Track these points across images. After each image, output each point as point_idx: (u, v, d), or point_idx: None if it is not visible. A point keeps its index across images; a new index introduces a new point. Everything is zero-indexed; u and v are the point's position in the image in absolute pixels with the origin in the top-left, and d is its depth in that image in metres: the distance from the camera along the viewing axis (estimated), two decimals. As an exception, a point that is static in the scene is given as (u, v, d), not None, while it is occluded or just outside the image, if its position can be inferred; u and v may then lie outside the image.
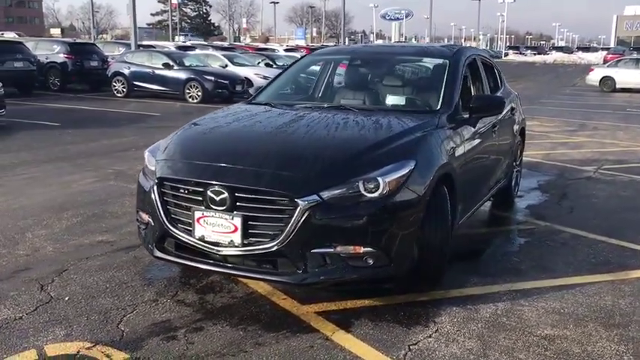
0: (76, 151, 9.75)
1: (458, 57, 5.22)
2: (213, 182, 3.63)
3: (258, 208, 3.57)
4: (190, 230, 3.75)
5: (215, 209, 3.62)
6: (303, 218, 3.48)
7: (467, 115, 4.79)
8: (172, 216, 3.85)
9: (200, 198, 3.69)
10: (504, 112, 5.98)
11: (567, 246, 5.26)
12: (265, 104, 5.06)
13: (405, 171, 3.70)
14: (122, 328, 3.60)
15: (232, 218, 3.58)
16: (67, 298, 4.01)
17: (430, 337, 3.55)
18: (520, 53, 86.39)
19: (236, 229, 3.58)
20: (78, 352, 3.33)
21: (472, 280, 4.41)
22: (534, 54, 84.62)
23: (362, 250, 3.57)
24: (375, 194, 3.57)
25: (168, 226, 3.84)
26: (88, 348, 3.37)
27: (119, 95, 19.48)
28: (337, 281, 3.64)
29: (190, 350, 3.36)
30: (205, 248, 3.72)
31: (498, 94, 6.17)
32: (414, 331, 3.62)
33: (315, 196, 3.50)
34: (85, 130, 12.06)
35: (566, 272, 4.63)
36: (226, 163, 3.74)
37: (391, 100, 4.98)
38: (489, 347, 3.43)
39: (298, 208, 3.48)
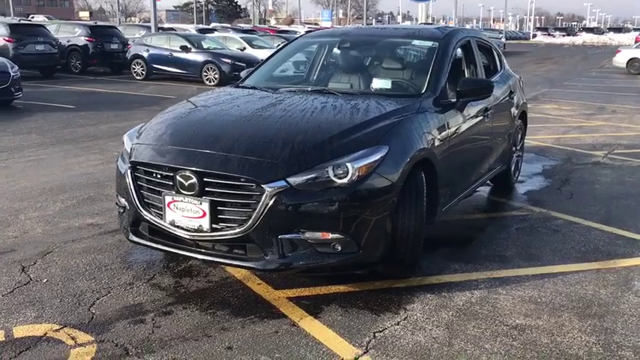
0: (85, 133, 9.86)
1: (448, 39, 5.11)
2: (182, 167, 3.62)
3: (225, 194, 3.55)
4: (162, 214, 3.75)
5: (184, 194, 3.62)
6: (270, 204, 3.45)
7: (454, 99, 4.69)
8: (145, 200, 3.86)
9: (170, 182, 3.69)
10: (502, 96, 5.86)
11: (559, 233, 5.15)
12: (251, 88, 5.03)
13: (376, 157, 3.64)
14: (93, 311, 3.63)
15: (201, 203, 3.57)
16: (45, 280, 4.06)
17: (398, 324, 3.51)
18: (548, 34, 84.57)
19: (204, 214, 3.57)
20: (45, 334, 3.37)
21: (452, 267, 4.35)
22: (563, 35, 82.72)
23: (330, 236, 3.53)
24: (345, 180, 3.52)
25: (141, 210, 3.85)
26: (56, 330, 3.40)
27: (138, 78, 19.67)
28: (305, 267, 3.60)
29: (155, 334, 3.37)
30: (176, 233, 3.73)
31: (496, 77, 6.03)
32: (382, 318, 3.58)
33: (282, 182, 3.47)
34: (98, 112, 12.17)
35: (551, 260, 4.54)
36: (196, 147, 3.72)
37: (377, 83, 4.90)
38: (456, 336, 3.38)
39: (265, 194, 3.45)
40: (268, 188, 3.45)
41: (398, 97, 4.48)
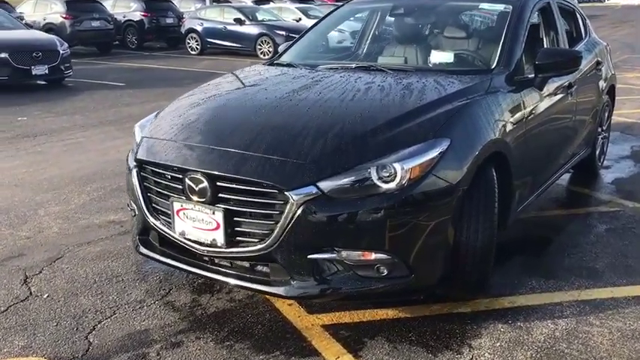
0: (129, 113, 9.40)
1: (524, 2, 4.19)
2: (191, 168, 2.95)
3: (243, 202, 2.86)
4: (171, 223, 3.10)
5: (195, 201, 2.95)
6: (297, 215, 2.73)
7: (532, 75, 3.83)
8: (154, 205, 3.22)
9: (180, 186, 3.02)
10: (588, 68, 4.92)
11: (661, 237, 4.23)
12: (287, 65, 4.29)
13: (433, 154, 2.85)
14: (91, 340, 3.04)
15: (213, 213, 2.89)
16: (45, 296, 3.51)
17: (460, 369, 2.75)
18: (626, -5, 79.31)
19: (218, 227, 2.90)
20: (28, 372, 2.81)
21: (529, 284, 3.53)
22: (643, -5, 77.30)
23: (373, 256, 2.79)
24: (392, 185, 2.76)
25: (149, 216, 3.22)
26: (42, 367, 2.84)
27: (193, 53, 19.29)
28: (342, 295, 2.88)
29: (157, 375, 2.75)
30: (188, 246, 3.08)
31: (581, 45, 5.08)
32: (441, 359, 2.83)
33: (311, 188, 2.74)
34: (147, 90, 11.76)
35: (656, 275, 3.65)
36: (208, 143, 3.04)
37: (437, 57, 4.07)
38: (537, 390, 2.60)
39: (290, 203, 2.73)
40: (294, 196, 2.73)
41: (462, 74, 3.64)
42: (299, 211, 2.73)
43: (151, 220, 3.21)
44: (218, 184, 2.87)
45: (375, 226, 2.75)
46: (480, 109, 3.23)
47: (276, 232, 2.78)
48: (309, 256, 2.79)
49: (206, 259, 3.09)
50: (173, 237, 3.12)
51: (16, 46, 11.56)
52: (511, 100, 3.53)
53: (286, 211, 2.74)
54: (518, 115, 3.53)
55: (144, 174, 3.25)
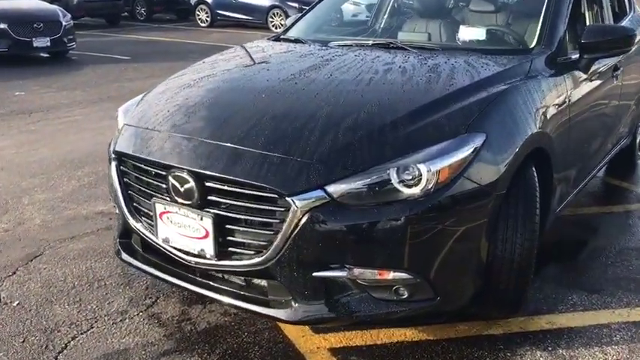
0: (131, 89, 8.92)
1: (567, -29, 3.64)
2: (174, 165, 2.48)
3: (236, 207, 2.39)
4: (153, 227, 2.65)
5: (180, 203, 2.49)
6: (301, 225, 2.26)
7: (576, 56, 3.31)
8: (135, 205, 2.77)
9: (163, 184, 2.56)
10: (633, 48, 4.36)
11: None
12: (294, 40, 3.79)
13: (465, 152, 2.36)
14: (60, 361, 2.62)
15: (202, 218, 2.43)
16: (15, 303, 3.09)
17: (493, 412, 2.30)
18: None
19: (207, 235, 2.44)
20: (-17, 403, 2.39)
21: (569, 300, 3.06)
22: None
23: (391, 275, 2.32)
24: (416, 189, 2.28)
25: (130, 218, 2.77)
26: (-1, 397, 2.42)
27: (203, 25, 18.81)
28: (353, 321, 2.43)
29: (133, 412, 2.32)
30: (173, 255, 2.62)
31: (625, 22, 4.52)
32: (469, 397, 2.38)
33: (318, 192, 2.27)
34: (152, 64, 11.29)
35: None
36: (196, 135, 2.56)
37: (467, 33, 3.54)
38: None
39: (292, 210, 2.26)
40: (298, 202, 2.26)
41: (497, 55, 3.13)
42: (303, 220, 2.26)
43: (132, 222, 2.76)
44: (207, 184, 2.41)
45: (395, 240, 2.27)
46: (520, 97, 2.73)
47: (275, 243, 2.32)
48: (314, 274, 2.32)
49: (195, 271, 2.64)
50: (156, 243, 2.67)
51: (16, 16, 11.10)
52: (554, 85, 3.02)
53: (288, 219, 2.28)
54: (561, 103, 3.03)
55: (124, 168, 2.79)
